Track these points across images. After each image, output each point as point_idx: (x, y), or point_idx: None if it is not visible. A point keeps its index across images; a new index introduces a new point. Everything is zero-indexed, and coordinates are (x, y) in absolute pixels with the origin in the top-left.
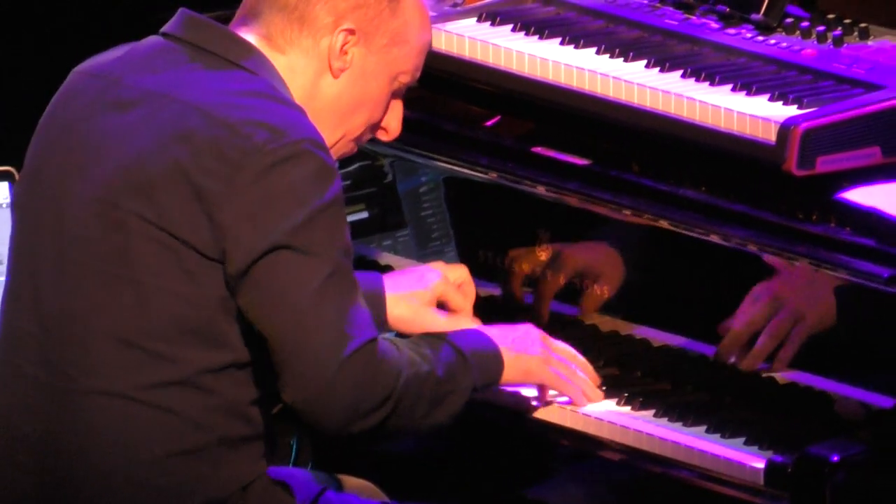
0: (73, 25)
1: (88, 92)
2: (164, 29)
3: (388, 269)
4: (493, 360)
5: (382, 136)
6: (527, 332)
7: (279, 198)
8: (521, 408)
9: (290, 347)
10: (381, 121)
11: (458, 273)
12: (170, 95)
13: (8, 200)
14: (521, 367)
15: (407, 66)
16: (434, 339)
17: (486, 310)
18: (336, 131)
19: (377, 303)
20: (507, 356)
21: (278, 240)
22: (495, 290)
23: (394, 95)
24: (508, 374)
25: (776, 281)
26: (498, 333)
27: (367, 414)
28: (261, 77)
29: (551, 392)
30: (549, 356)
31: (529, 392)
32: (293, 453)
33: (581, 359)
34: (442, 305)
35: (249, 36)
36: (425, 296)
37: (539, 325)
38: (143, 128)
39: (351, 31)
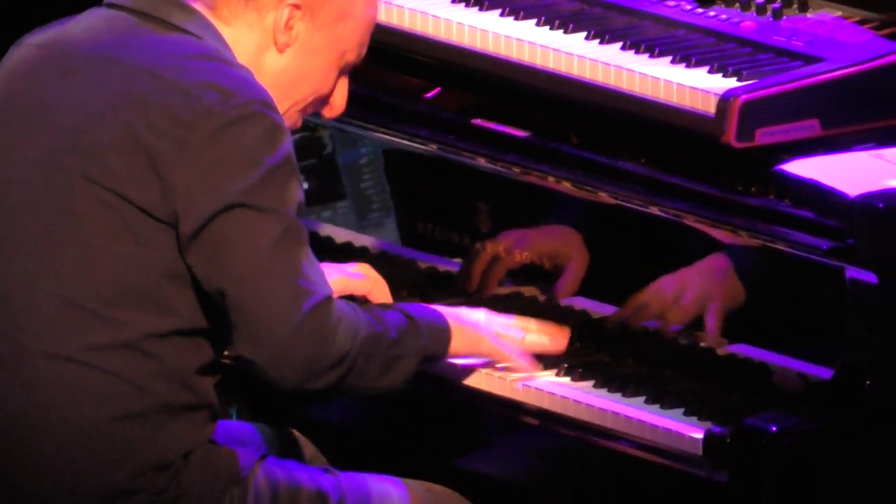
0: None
1: (32, 62)
2: None
3: (327, 240)
4: (443, 330)
5: (327, 112)
6: (473, 309)
7: (231, 158)
8: (460, 377)
9: (247, 305)
10: (328, 96)
11: (362, 272)
12: (117, 60)
13: None
14: (468, 338)
15: (352, 43)
16: (386, 305)
17: (427, 283)
18: (280, 105)
19: None
20: (455, 326)
21: (232, 199)
22: (435, 262)
23: (340, 72)
24: (456, 344)
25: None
26: (445, 309)
27: (325, 371)
28: (206, 41)
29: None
30: (496, 331)
31: (470, 362)
32: (234, 415)
33: (533, 326)
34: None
35: (195, 5)
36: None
37: (477, 297)
38: (91, 92)
39: (296, 6)
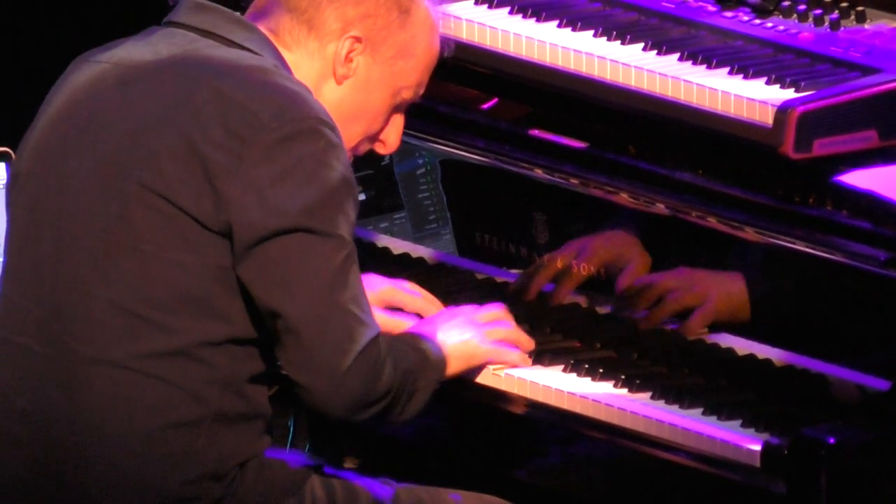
0: (73, 11)
1: (91, 75)
2: (167, 18)
3: (384, 251)
4: (443, 358)
5: (381, 149)
6: (453, 316)
7: (287, 174)
8: (518, 391)
9: (305, 332)
10: (379, 133)
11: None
12: (175, 70)
13: (4, 181)
14: (461, 355)
15: (410, 81)
16: (402, 338)
17: (483, 293)
18: None
19: None
20: (447, 349)
21: (294, 221)
22: (492, 273)
23: (395, 109)
24: (453, 365)
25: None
26: (431, 329)
27: (371, 405)
28: (266, 57)
29: (547, 376)
30: (482, 331)
31: (524, 374)
32: (290, 435)
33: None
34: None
35: (259, 26)
36: (370, 297)
37: (535, 308)
38: (148, 100)
39: (358, 39)
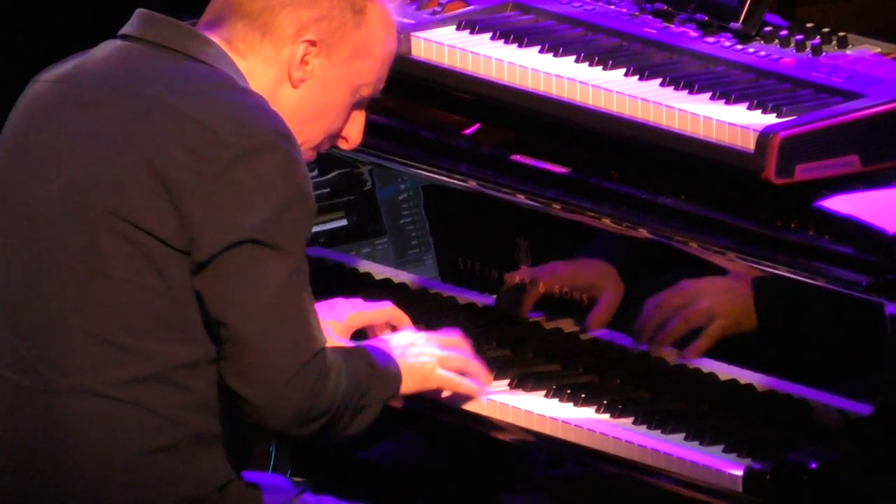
0: (35, 32)
1: (49, 97)
2: (122, 30)
3: (366, 276)
4: (395, 376)
5: (343, 145)
6: (413, 340)
7: (246, 190)
8: (500, 416)
9: (250, 343)
10: (341, 130)
11: (383, 312)
12: (133, 91)
13: None
14: (415, 376)
15: (369, 78)
16: (354, 353)
17: (467, 318)
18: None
19: None
20: (404, 367)
21: (245, 234)
22: (474, 298)
23: (355, 106)
24: (406, 384)
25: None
26: (387, 346)
27: (312, 420)
28: (222, 70)
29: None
30: (440, 357)
31: (507, 399)
32: (272, 459)
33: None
34: (359, 337)
35: (212, 37)
36: (337, 326)
37: (517, 333)
38: (108, 125)
39: (312, 43)
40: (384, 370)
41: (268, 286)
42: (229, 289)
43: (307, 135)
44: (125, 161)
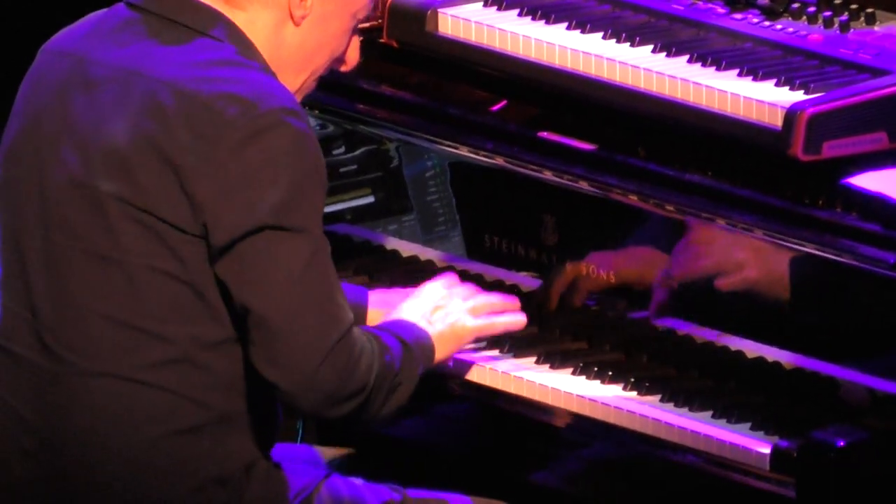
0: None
1: (57, 72)
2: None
3: (393, 253)
4: (429, 347)
5: (343, 68)
6: (436, 303)
7: (257, 171)
8: (527, 394)
9: (277, 328)
10: (343, 55)
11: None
12: (138, 72)
13: None
14: (448, 340)
15: (361, 2)
16: (385, 330)
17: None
18: (301, 75)
19: (357, 317)
20: (435, 335)
21: (263, 219)
22: (501, 275)
23: (353, 31)
24: (441, 351)
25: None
26: (418, 314)
27: (344, 401)
28: (227, 44)
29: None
30: (468, 308)
31: (533, 377)
32: (299, 436)
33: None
34: None
35: (209, 2)
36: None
37: (544, 310)
38: (115, 107)
39: None
40: (415, 343)
41: (290, 270)
42: (252, 276)
43: (314, 67)
44: (132, 145)
